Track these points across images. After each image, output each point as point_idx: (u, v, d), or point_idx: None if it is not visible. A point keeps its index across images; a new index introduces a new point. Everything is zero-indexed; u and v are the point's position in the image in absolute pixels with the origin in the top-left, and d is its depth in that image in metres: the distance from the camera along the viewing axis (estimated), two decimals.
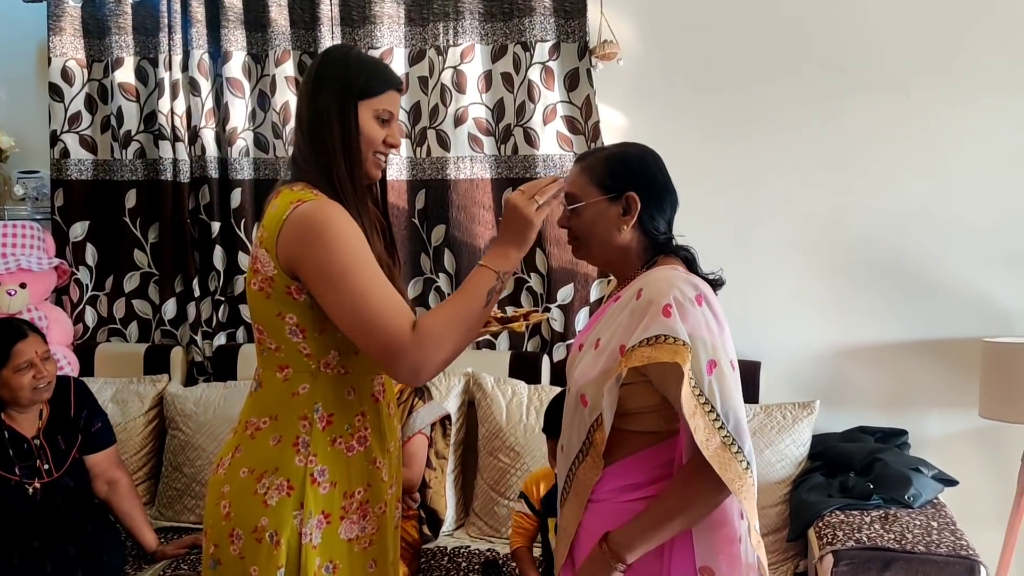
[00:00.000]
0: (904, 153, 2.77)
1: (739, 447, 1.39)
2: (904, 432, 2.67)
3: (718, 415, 1.39)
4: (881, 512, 2.27)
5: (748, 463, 1.40)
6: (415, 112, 3.04)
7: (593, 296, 2.96)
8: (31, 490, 2.39)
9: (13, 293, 2.99)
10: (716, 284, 1.59)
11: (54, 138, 3.22)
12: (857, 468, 2.47)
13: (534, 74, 2.90)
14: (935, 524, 2.18)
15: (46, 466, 2.43)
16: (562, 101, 2.92)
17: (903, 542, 2.08)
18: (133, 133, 3.20)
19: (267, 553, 1.54)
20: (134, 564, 2.57)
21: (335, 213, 1.52)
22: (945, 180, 2.75)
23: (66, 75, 3.21)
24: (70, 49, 3.21)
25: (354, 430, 1.61)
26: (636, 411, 1.49)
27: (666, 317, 1.41)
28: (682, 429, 1.43)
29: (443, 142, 3.01)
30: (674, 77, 2.92)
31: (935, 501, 2.36)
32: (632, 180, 1.55)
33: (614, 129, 2.93)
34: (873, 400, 2.81)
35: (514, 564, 2.38)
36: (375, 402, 1.66)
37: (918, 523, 2.19)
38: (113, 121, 3.20)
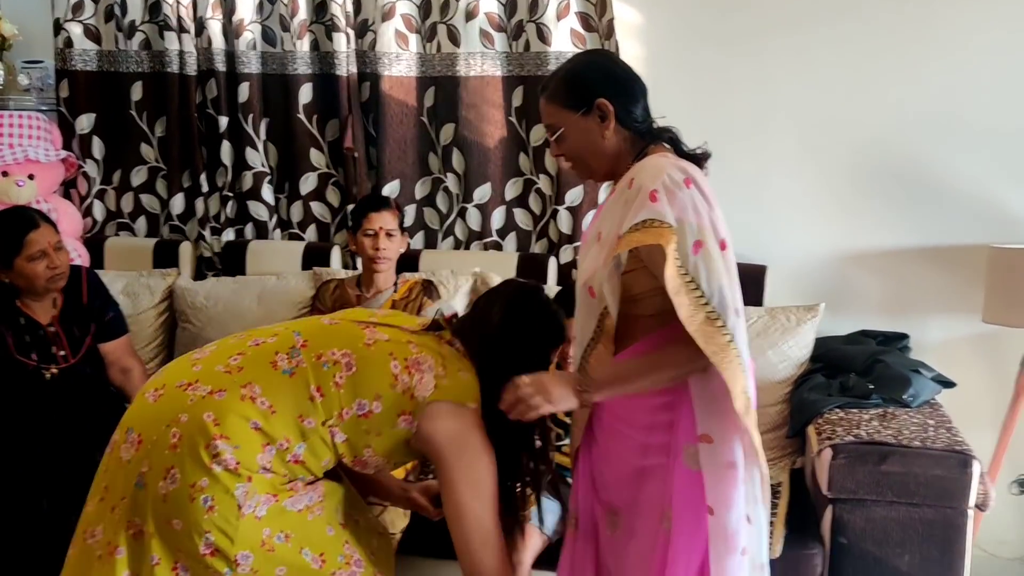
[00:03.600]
0: (916, 58, 2.73)
1: (723, 322, 1.46)
2: (905, 336, 2.71)
3: (703, 292, 1.46)
4: (879, 410, 2.32)
5: (732, 337, 1.46)
6: (425, 6, 2.98)
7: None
8: (48, 375, 2.45)
9: (22, 184, 2.98)
10: (703, 157, 1.64)
11: (57, 27, 3.17)
12: (858, 369, 2.52)
13: None
14: (931, 422, 2.24)
15: (62, 352, 2.48)
16: None
17: (900, 438, 2.14)
18: (138, 23, 3.14)
19: (197, 513, 1.51)
20: None
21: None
22: (956, 85, 2.71)
23: None
24: None
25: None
26: (640, 295, 1.55)
27: (653, 202, 1.47)
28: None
29: (453, 37, 2.95)
30: None
31: (932, 402, 2.41)
32: (595, 86, 1.60)
33: (628, 27, 2.87)
34: (877, 305, 2.84)
35: None
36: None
37: (915, 421, 2.24)
38: (117, 10, 3.14)
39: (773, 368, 2.62)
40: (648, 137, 1.62)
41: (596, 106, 1.58)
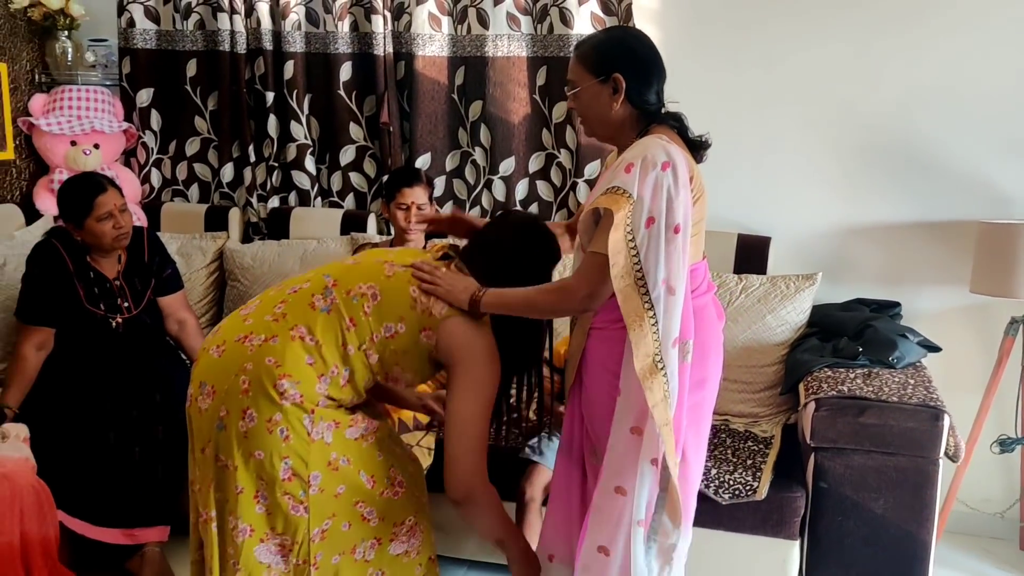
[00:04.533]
0: (916, 39, 2.85)
1: (647, 290, 1.65)
2: (898, 304, 2.86)
3: (639, 260, 1.65)
4: (865, 370, 2.50)
5: (651, 306, 1.65)
6: None
7: None
8: (114, 324, 2.73)
9: (88, 153, 3.28)
10: (702, 145, 1.82)
11: (121, 7, 3.43)
12: (849, 333, 2.69)
13: None
14: (912, 382, 2.41)
15: (126, 304, 2.76)
16: None
17: (879, 394, 2.33)
18: (193, 5, 3.39)
19: (275, 442, 1.78)
20: None
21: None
22: (956, 65, 2.83)
23: None
24: None
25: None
26: None
27: (626, 173, 1.67)
28: None
29: (483, 20, 3.16)
30: None
31: (918, 364, 2.57)
32: (617, 62, 1.78)
33: (646, 11, 3.05)
34: (873, 275, 2.99)
35: None
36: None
37: (896, 380, 2.42)
38: None
39: (772, 331, 2.81)
40: (655, 118, 1.80)
41: (612, 78, 1.77)
